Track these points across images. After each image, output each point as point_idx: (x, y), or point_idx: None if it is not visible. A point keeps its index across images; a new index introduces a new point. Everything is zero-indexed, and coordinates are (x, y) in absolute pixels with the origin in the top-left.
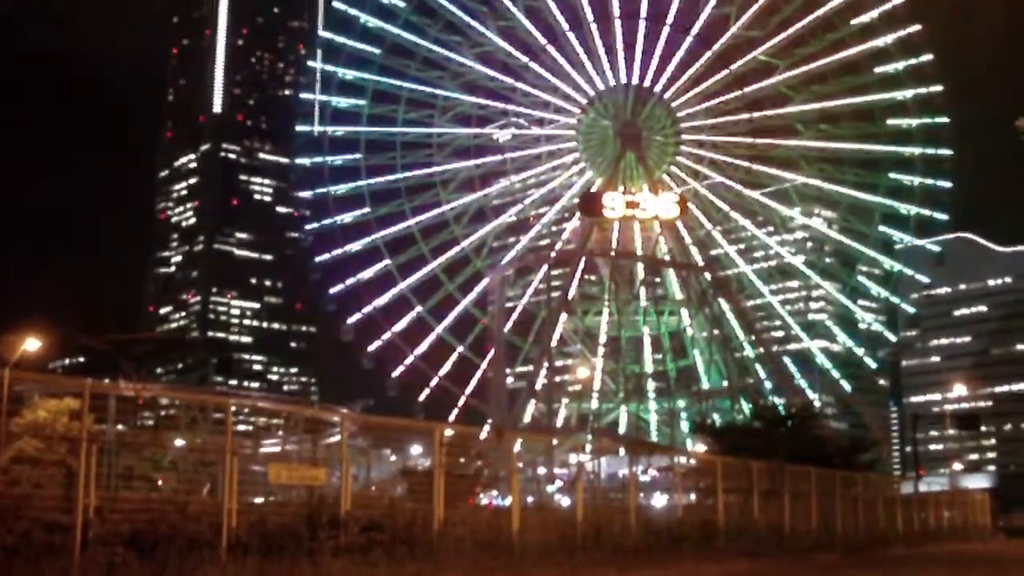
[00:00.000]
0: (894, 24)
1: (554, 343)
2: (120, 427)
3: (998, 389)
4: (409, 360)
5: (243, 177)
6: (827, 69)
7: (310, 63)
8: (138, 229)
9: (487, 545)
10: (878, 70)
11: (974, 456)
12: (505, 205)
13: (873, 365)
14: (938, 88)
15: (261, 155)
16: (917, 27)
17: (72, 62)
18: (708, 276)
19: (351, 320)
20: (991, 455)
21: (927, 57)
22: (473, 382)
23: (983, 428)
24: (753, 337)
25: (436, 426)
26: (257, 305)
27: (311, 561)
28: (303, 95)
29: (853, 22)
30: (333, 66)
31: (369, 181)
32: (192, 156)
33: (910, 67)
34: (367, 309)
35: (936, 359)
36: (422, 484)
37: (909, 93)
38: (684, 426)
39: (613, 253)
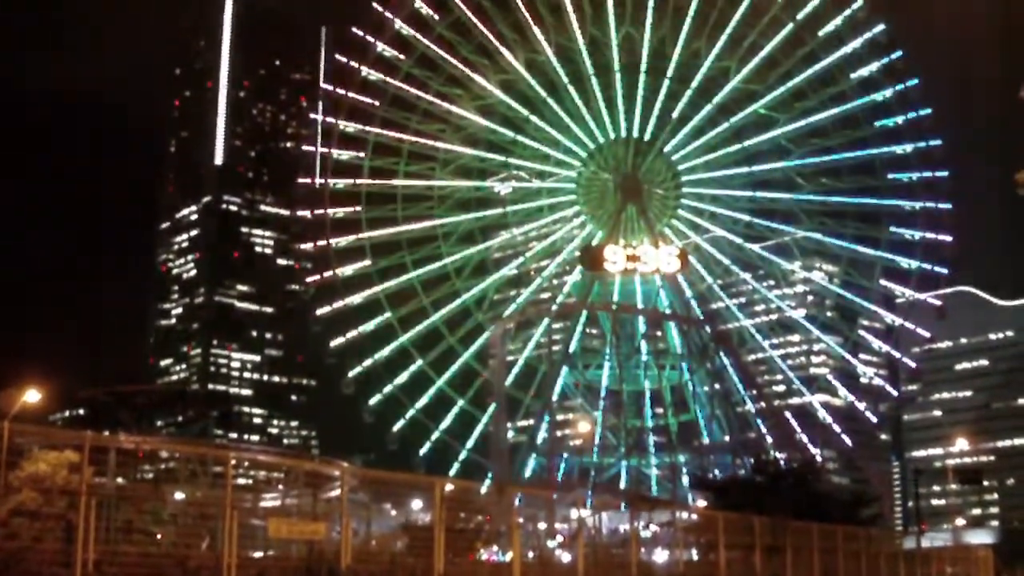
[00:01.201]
0: (894, 78)
1: (555, 397)
2: (120, 480)
3: (1000, 443)
4: (410, 414)
5: (244, 229)
6: (827, 122)
7: (311, 115)
8: (139, 281)
9: None
10: (878, 123)
11: (977, 511)
12: (506, 258)
13: (874, 419)
14: (938, 142)
15: (262, 207)
16: (916, 81)
17: (73, 113)
18: (709, 330)
19: (352, 373)
20: (994, 510)
21: (926, 111)
22: (474, 436)
23: (986, 483)
24: (754, 391)
25: (437, 480)
26: (258, 358)
27: None
28: (304, 147)
29: (853, 76)
30: (334, 119)
31: (370, 234)
32: (193, 208)
33: (909, 120)
34: (368, 362)
35: (938, 413)
36: (422, 539)
37: (909, 147)
38: (685, 481)
39: (614, 307)
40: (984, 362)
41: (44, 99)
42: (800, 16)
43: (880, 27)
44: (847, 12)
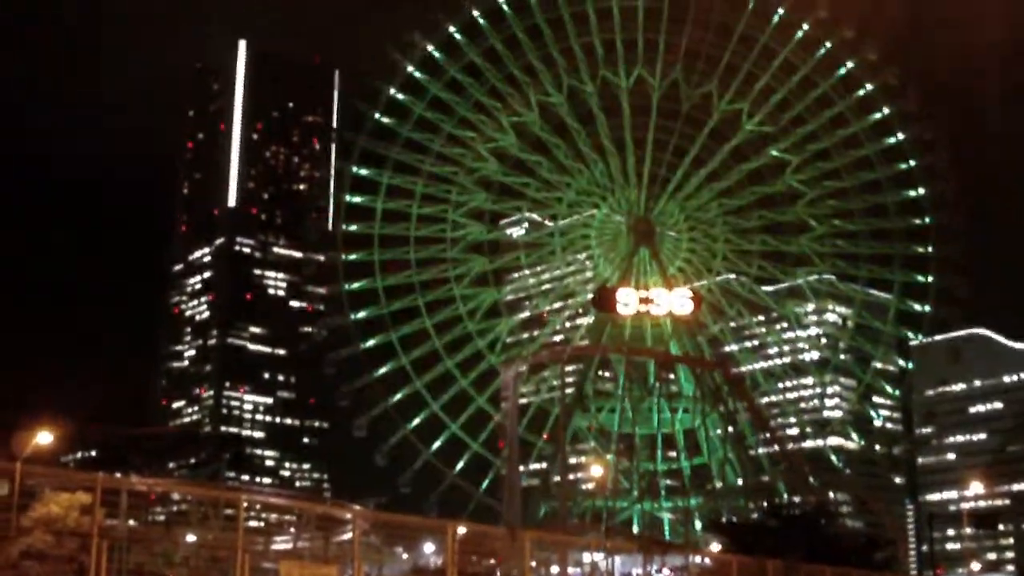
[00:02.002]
0: (907, 121)
1: (568, 440)
2: (131, 522)
3: (1016, 487)
4: (423, 457)
5: (257, 271)
6: (840, 165)
7: (325, 159)
8: (151, 323)
9: None
10: (891, 167)
11: (992, 555)
12: (519, 300)
13: (888, 463)
14: (951, 186)
15: (275, 249)
16: (930, 124)
17: (86, 155)
18: (722, 373)
19: (365, 416)
20: (1010, 555)
21: (940, 154)
22: (487, 479)
23: (1001, 527)
24: (768, 435)
25: (449, 524)
26: (270, 400)
27: None
28: (317, 191)
29: (866, 119)
30: (347, 162)
31: (383, 276)
32: (206, 250)
33: (923, 164)
34: (381, 405)
35: (952, 456)
36: None
37: (922, 190)
38: (699, 524)
39: (627, 349)
40: (998, 405)
41: (59, 142)
42: (812, 60)
43: (892, 70)
44: (859, 56)
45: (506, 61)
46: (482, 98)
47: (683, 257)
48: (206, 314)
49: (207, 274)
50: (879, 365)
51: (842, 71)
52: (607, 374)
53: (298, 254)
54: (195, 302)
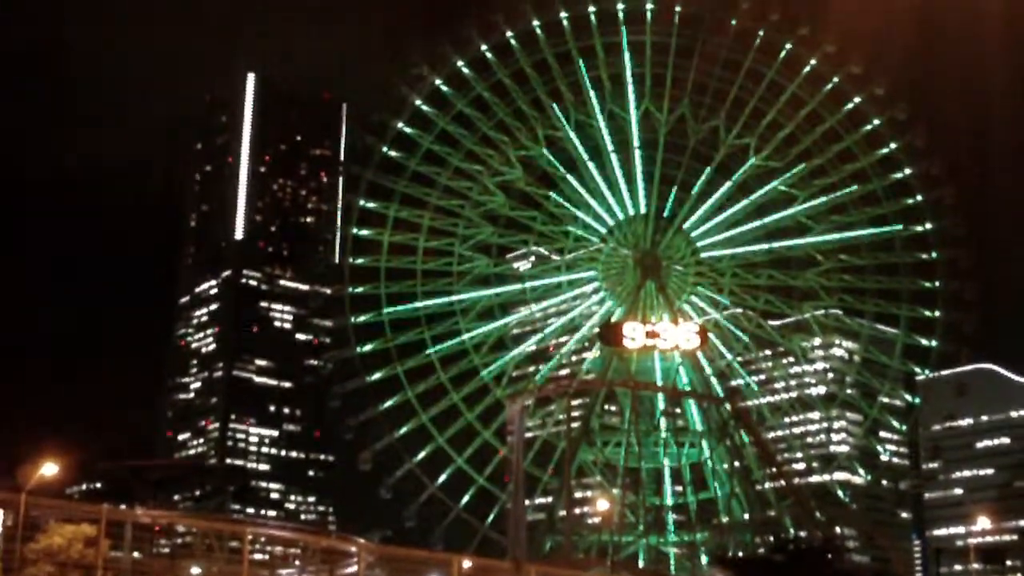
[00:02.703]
0: (914, 156)
1: (573, 474)
2: (136, 554)
3: (1023, 522)
4: (428, 491)
5: (263, 304)
6: (847, 199)
7: (332, 192)
8: (157, 355)
9: None
10: (898, 202)
11: None
12: (525, 334)
13: (895, 498)
14: (958, 221)
15: (282, 282)
16: (937, 159)
17: (94, 187)
18: (728, 407)
19: (370, 449)
20: None
21: (948, 189)
22: (493, 513)
23: (1008, 562)
24: (774, 469)
25: (455, 557)
26: (275, 433)
27: None
28: (324, 224)
29: (873, 153)
30: (354, 195)
31: (389, 310)
32: (213, 282)
33: (930, 199)
34: (386, 438)
35: (959, 491)
36: None
37: (929, 225)
38: (705, 559)
39: (633, 383)
40: (1005, 440)
41: (67, 172)
42: (819, 95)
43: (900, 105)
44: (866, 91)
45: (514, 95)
46: (489, 132)
47: (689, 291)
48: (212, 346)
49: (213, 306)
50: (886, 400)
51: (849, 106)
52: (613, 408)
53: (305, 287)
54: (201, 334)
